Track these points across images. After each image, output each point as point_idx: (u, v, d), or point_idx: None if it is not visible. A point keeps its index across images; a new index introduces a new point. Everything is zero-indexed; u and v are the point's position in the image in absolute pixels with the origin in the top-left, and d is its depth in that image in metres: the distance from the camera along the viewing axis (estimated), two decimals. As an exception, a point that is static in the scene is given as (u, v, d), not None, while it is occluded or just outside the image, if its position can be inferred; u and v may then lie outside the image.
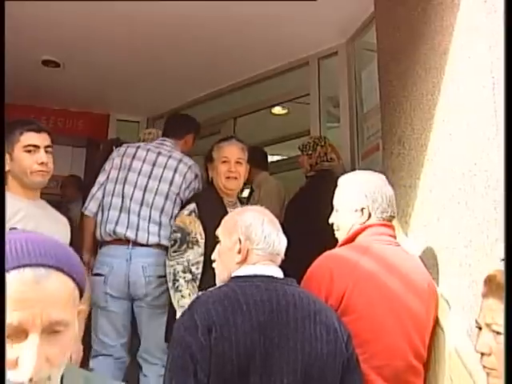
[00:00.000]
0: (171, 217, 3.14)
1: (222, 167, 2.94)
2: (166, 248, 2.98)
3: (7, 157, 2.36)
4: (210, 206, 2.65)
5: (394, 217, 2.32)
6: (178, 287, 2.68)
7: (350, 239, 2.25)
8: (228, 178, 2.91)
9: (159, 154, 3.34)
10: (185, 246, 2.75)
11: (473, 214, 2.19)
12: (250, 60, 4.90)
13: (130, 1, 3.83)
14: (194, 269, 2.71)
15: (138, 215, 3.14)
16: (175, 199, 3.21)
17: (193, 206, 2.85)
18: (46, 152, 2.40)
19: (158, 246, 3.08)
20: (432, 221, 2.43)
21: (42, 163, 2.37)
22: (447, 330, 2.18)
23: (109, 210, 3.18)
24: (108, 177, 3.31)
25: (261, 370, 1.54)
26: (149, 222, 3.13)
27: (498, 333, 1.44)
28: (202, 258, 2.73)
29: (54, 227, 2.39)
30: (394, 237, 2.30)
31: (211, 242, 2.63)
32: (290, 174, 5.33)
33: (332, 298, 2.00)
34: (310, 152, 3.96)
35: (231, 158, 2.95)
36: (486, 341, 1.46)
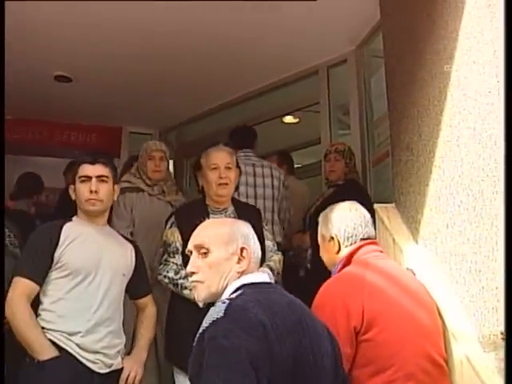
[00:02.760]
0: (277, 213, 3.84)
1: (211, 175, 2.85)
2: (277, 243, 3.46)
3: (73, 188, 2.58)
4: (188, 214, 2.62)
5: (367, 238, 2.35)
6: (181, 285, 2.67)
7: (347, 263, 2.28)
8: (219, 184, 2.83)
9: (254, 165, 3.88)
10: (166, 256, 2.78)
11: (481, 220, 2.17)
12: (260, 70, 4.92)
13: (140, 4, 3.84)
14: (184, 270, 2.67)
15: None
16: (277, 198, 3.88)
17: (172, 218, 2.86)
18: (101, 181, 2.53)
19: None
20: (441, 227, 2.40)
21: (91, 192, 2.50)
22: (458, 337, 2.15)
23: None
24: None
25: (305, 368, 1.55)
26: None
27: None
28: None
29: (119, 251, 2.58)
30: (382, 251, 2.36)
31: None
32: (301, 183, 5.32)
33: (353, 319, 2.01)
34: (348, 160, 3.91)
35: (220, 165, 2.86)
36: None
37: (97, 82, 5.15)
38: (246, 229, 1.84)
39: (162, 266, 2.77)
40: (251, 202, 3.72)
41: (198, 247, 1.81)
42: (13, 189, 4.28)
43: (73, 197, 2.59)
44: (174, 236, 2.78)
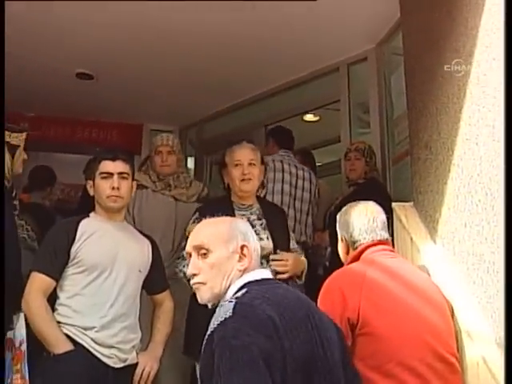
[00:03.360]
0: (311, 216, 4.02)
1: (235, 171, 2.87)
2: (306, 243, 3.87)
3: (91, 184, 2.60)
4: (213, 210, 2.63)
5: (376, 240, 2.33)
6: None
7: (355, 260, 2.31)
8: (242, 180, 2.85)
9: (296, 167, 4.08)
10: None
11: (500, 220, 2.14)
12: (280, 67, 4.91)
13: (161, 3, 3.85)
14: None
15: (294, 220, 3.88)
16: (311, 202, 4.04)
17: (196, 214, 2.87)
18: (122, 178, 2.56)
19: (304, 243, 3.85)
20: (459, 227, 2.37)
21: (113, 188, 2.53)
22: (475, 338, 2.12)
23: None
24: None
25: (317, 363, 1.56)
26: (300, 224, 3.92)
27: None
28: None
29: (136, 247, 2.60)
30: (392, 251, 2.36)
31: None
32: (322, 181, 5.29)
33: (348, 312, 2.03)
34: (369, 159, 3.91)
35: (243, 161, 2.88)
36: None
37: (118, 79, 5.19)
38: (244, 226, 1.84)
39: (180, 259, 2.80)
40: (291, 202, 3.90)
41: (198, 248, 1.80)
42: (25, 182, 4.33)
43: (91, 193, 2.60)
44: None
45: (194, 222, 2.83)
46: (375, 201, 2.92)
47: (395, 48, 4.13)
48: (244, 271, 1.75)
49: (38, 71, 4.95)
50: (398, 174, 4.08)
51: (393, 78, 4.17)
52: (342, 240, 2.40)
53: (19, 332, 2.54)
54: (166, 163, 3.54)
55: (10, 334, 2.44)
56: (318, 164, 5.98)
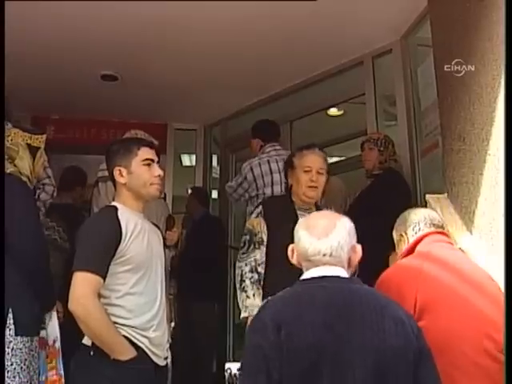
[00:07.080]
0: None
1: (303, 176, 2.92)
2: None
3: (124, 171, 2.39)
4: (276, 208, 2.63)
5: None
6: (244, 288, 2.77)
7: (411, 249, 2.31)
8: (309, 187, 2.90)
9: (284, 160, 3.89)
10: (252, 246, 2.85)
11: (540, 209, 2.11)
12: (303, 62, 4.88)
13: (183, 3, 3.86)
14: (260, 269, 2.82)
15: None
16: None
17: (260, 208, 2.98)
18: (160, 167, 2.49)
19: None
20: (497, 217, 2.35)
21: (158, 176, 2.43)
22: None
23: None
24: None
25: (332, 364, 1.57)
26: None
27: None
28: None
29: (158, 240, 2.53)
30: (451, 243, 2.33)
31: (274, 243, 2.75)
32: (348, 175, 5.27)
33: (405, 307, 1.99)
34: (382, 148, 3.87)
35: (313, 168, 2.93)
36: None
37: (142, 80, 5.21)
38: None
39: (244, 254, 2.85)
40: None
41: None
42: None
43: (121, 180, 2.40)
44: (260, 226, 2.87)
45: (257, 216, 2.96)
46: (393, 193, 2.92)
47: (420, 39, 4.09)
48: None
49: (63, 74, 5.00)
50: (427, 166, 4.04)
51: (419, 70, 4.13)
52: (401, 237, 2.36)
53: (52, 330, 2.56)
54: None
55: (42, 333, 2.46)
56: (342, 158, 5.98)
